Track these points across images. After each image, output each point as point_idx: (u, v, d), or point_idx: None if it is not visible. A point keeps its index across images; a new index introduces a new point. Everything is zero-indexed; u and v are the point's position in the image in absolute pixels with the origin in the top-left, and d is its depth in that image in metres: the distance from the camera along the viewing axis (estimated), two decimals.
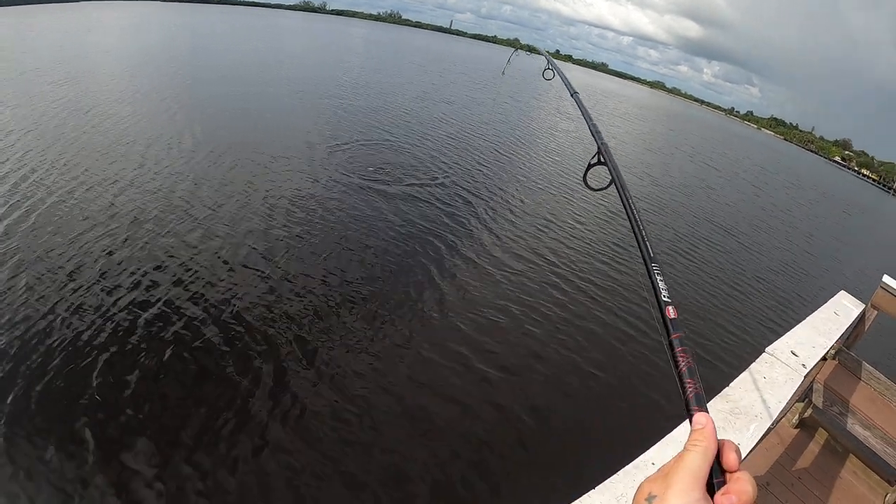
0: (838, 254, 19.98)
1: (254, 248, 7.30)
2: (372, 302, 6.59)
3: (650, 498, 0.61)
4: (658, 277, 0.92)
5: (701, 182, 23.00)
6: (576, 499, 1.26)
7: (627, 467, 1.45)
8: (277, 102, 17.67)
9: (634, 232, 1.06)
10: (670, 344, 0.79)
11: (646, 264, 0.96)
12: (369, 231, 8.53)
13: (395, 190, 10.65)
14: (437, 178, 12.12)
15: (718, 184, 24.22)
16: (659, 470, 0.64)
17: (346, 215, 8.97)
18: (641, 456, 1.52)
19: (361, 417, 4.79)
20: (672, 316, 0.83)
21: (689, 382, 0.71)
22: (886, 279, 4.09)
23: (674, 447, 1.62)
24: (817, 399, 3.97)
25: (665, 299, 0.87)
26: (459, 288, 7.38)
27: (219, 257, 6.90)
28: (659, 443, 1.60)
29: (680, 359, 0.76)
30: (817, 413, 4.17)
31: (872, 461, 4.04)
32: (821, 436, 4.22)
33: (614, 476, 1.39)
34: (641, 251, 0.99)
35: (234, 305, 5.98)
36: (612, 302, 8.07)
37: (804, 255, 16.62)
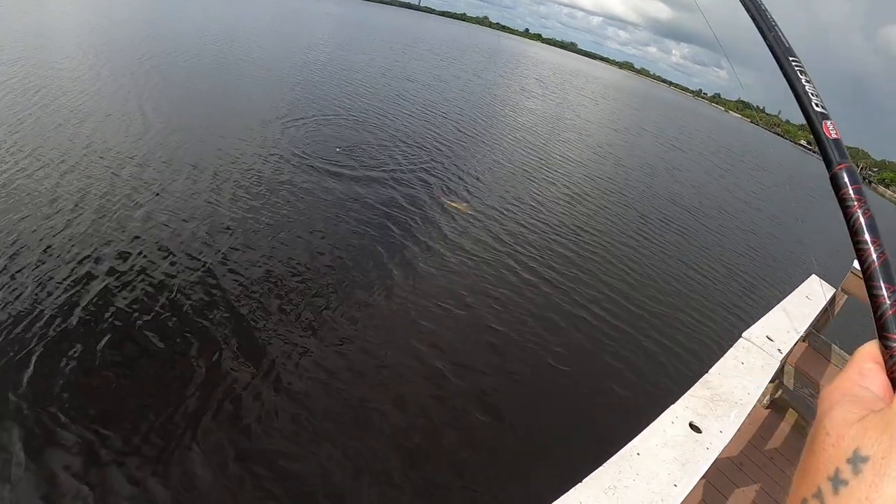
0: (808, 238, 20.48)
1: (196, 234, 7.11)
2: (320, 290, 6.51)
3: (858, 459, 0.38)
4: (803, 78, 0.62)
5: (666, 164, 23.22)
6: (562, 494, 1.26)
7: (613, 458, 1.46)
8: (235, 78, 17.24)
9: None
10: (834, 180, 0.54)
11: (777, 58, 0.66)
12: (321, 215, 8.41)
13: (349, 170, 10.52)
14: (394, 157, 12.04)
15: (684, 165, 24.56)
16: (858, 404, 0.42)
17: (297, 197, 8.82)
18: (626, 445, 1.54)
19: (303, 413, 4.74)
20: (833, 135, 0.57)
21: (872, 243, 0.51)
22: (857, 264, 4.19)
23: (658, 437, 1.64)
24: (788, 380, 4.07)
25: (819, 109, 0.60)
26: (414, 274, 7.38)
27: (158, 244, 6.71)
28: (643, 432, 1.62)
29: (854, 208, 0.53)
30: (788, 394, 4.28)
31: None
32: (791, 416, 4.35)
33: (601, 468, 1.40)
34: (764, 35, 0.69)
35: (173, 293, 5.84)
36: (577, 289, 8.14)
37: (773, 240, 17.06)
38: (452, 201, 9.56)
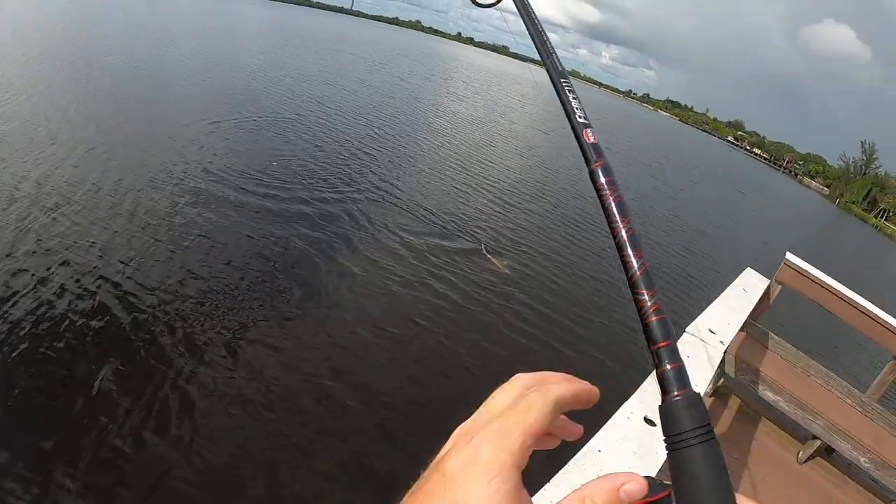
0: (741, 231, 21.45)
1: (98, 259, 6.58)
2: (238, 313, 6.24)
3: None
4: (571, 96, 0.75)
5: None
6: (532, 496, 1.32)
7: (576, 456, 1.54)
8: (157, 87, 16.26)
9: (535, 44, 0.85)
10: (591, 175, 0.68)
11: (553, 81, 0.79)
12: (229, 235, 7.94)
13: (263, 186, 10.04)
14: (311, 166, 11.76)
15: (614, 167, 25.38)
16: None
17: (201, 215, 8.32)
18: (587, 444, 1.62)
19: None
20: (592, 140, 0.71)
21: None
22: (789, 256, 4.55)
23: (616, 432, 1.73)
24: (729, 368, 4.33)
25: (581, 120, 0.73)
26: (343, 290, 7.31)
27: (56, 269, 6.21)
28: (602, 429, 1.71)
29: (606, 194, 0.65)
30: (730, 381, 4.56)
31: (783, 423, 4.50)
32: (734, 402, 4.64)
33: (565, 467, 1.47)
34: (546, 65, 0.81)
35: (68, 324, 5.43)
36: (515, 295, 8.32)
37: (707, 238, 17.79)
38: (491, 255, 9.32)
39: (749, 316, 4.05)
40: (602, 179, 0.67)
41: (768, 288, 4.66)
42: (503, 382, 0.47)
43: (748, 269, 4.75)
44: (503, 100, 39.72)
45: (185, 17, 43.53)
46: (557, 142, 26.76)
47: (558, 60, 0.80)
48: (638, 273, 0.56)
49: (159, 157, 10.05)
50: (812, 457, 4.35)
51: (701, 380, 2.36)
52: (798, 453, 4.37)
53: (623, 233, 0.60)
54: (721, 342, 2.92)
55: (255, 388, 5.08)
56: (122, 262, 6.48)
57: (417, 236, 9.34)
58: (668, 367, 0.50)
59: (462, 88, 37.76)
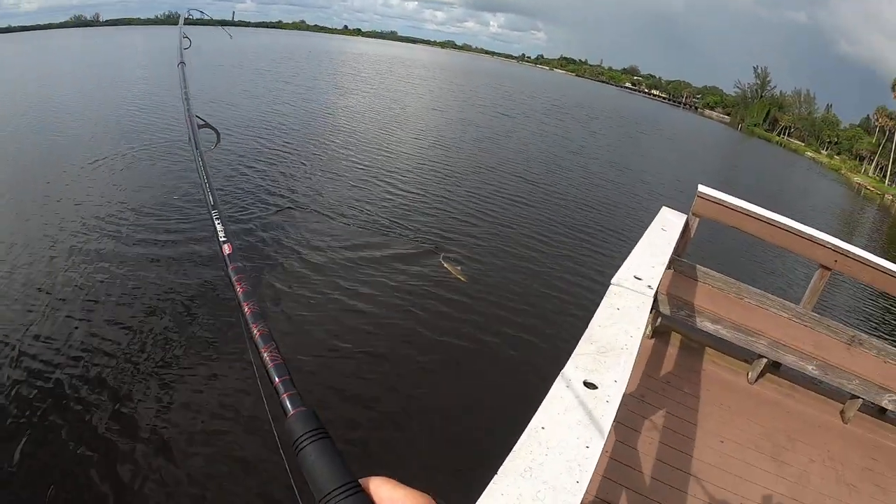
0: (651, 172, 22.20)
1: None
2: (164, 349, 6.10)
3: None
4: (217, 222, 1.01)
5: (496, 134, 24.08)
6: (480, 493, 1.29)
7: (521, 438, 1.51)
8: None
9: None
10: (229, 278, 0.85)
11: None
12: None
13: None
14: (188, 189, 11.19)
15: (514, 131, 25.69)
16: None
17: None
18: (530, 422, 1.59)
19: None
20: (228, 252, 0.91)
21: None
22: (702, 188, 4.71)
23: (558, 404, 1.71)
24: (664, 308, 4.45)
25: (222, 238, 0.95)
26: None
27: None
28: (542, 404, 1.68)
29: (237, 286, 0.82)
30: (667, 320, 4.70)
31: (727, 348, 4.67)
32: (675, 338, 4.81)
33: (511, 453, 1.44)
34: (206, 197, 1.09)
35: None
36: (424, 288, 8.17)
37: (617, 184, 18.30)
38: (446, 263, 8.68)
39: (673, 253, 4.16)
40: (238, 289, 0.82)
41: (687, 222, 4.80)
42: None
43: (663, 208, 4.87)
44: (394, 84, 39.37)
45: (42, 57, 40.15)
46: (452, 117, 26.86)
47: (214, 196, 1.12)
48: (257, 335, 0.74)
49: (45, 210, 9.34)
50: (761, 374, 4.55)
51: (635, 329, 2.36)
52: (747, 374, 4.56)
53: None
54: (649, 287, 2.96)
55: (193, 431, 4.88)
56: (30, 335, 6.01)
57: (336, 242, 9.16)
58: (285, 395, 0.64)
59: (351, 81, 37.18)
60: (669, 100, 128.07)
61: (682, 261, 4.78)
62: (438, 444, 5.19)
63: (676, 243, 4.22)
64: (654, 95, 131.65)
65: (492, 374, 6.29)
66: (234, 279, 0.83)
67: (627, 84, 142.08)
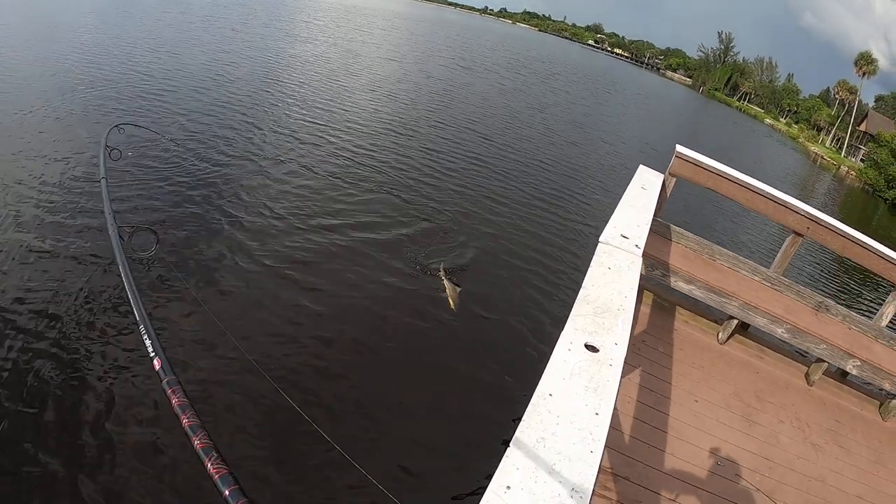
0: (615, 131, 22.26)
1: None
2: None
3: None
4: (145, 336, 1.04)
5: (455, 86, 23.55)
6: (495, 467, 1.21)
7: (529, 408, 1.43)
8: None
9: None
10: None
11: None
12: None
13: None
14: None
15: (476, 85, 25.21)
16: None
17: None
18: (537, 390, 1.52)
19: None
20: (158, 366, 0.92)
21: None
22: (680, 148, 4.68)
23: (562, 369, 1.64)
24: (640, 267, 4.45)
25: (151, 353, 0.97)
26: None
27: None
28: (546, 370, 1.61)
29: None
30: (641, 279, 4.69)
31: (699, 309, 4.74)
32: (647, 297, 4.84)
33: (522, 423, 1.36)
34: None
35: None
36: (405, 252, 7.84)
37: (583, 141, 18.27)
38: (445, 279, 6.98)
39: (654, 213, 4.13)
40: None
41: (663, 182, 4.78)
42: None
43: (641, 166, 4.83)
44: (351, 34, 37.96)
45: None
46: (410, 69, 26.13)
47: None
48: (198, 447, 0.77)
49: None
50: (731, 336, 4.62)
51: (629, 290, 2.31)
52: (717, 334, 4.64)
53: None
54: (637, 246, 2.91)
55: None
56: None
57: (283, 211, 8.16)
58: None
59: (305, 30, 35.52)
60: (632, 59, 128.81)
61: (657, 220, 4.76)
62: (446, 417, 5.07)
63: (657, 203, 4.19)
64: (617, 54, 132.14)
65: (479, 350, 6.05)
66: (168, 392, 0.78)
67: (590, 41, 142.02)
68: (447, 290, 6.58)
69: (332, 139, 11.98)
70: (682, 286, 4.42)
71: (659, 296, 4.87)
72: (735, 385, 4.15)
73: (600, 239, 2.81)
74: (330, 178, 9.63)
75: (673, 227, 4.86)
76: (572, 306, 2.02)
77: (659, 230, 4.81)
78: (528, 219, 9.86)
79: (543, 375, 1.57)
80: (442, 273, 6.98)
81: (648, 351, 4.10)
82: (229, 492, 0.51)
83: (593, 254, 2.62)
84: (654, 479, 2.94)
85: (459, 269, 7.32)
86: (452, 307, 6.32)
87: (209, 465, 0.52)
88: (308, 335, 5.49)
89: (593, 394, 1.57)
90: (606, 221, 3.06)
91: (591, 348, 1.79)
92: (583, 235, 9.68)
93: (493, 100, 22.47)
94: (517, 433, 1.31)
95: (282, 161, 10.06)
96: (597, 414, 1.50)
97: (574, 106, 27.60)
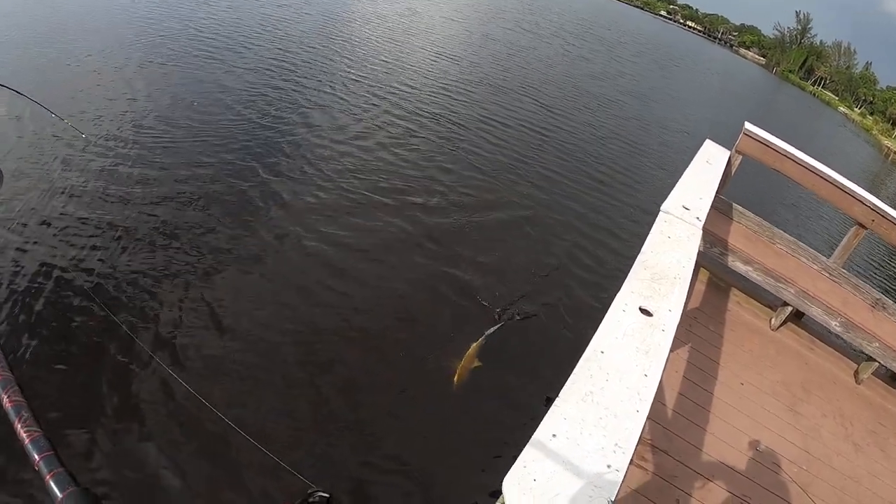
0: (693, 105, 21.52)
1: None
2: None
3: None
4: None
5: (518, 50, 22.89)
6: (544, 414, 1.22)
7: (580, 362, 1.44)
8: None
9: None
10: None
11: None
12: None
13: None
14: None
15: (542, 51, 24.50)
16: None
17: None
18: (589, 346, 1.52)
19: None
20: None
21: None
22: (748, 126, 4.50)
23: (616, 329, 1.62)
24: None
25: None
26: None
27: None
28: (600, 328, 1.60)
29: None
30: (698, 255, 4.59)
31: (754, 292, 4.61)
32: (703, 275, 4.73)
33: (571, 376, 1.36)
34: None
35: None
36: (479, 209, 7.88)
37: (660, 112, 17.71)
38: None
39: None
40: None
41: (729, 159, 4.62)
42: None
43: (707, 140, 4.68)
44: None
45: None
46: (467, 29, 25.48)
47: None
48: (10, 409, 0.64)
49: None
50: (784, 322, 4.49)
51: (686, 260, 2.28)
52: (770, 320, 4.51)
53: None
54: (697, 218, 2.85)
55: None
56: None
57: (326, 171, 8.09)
58: (49, 476, 0.56)
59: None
60: (704, 33, 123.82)
61: (720, 197, 4.62)
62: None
63: (721, 179, 4.07)
64: (689, 27, 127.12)
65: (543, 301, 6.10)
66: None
67: (662, 12, 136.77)
68: (464, 360, 4.91)
69: (384, 100, 11.75)
70: (739, 266, 4.30)
71: (715, 274, 4.76)
72: (783, 373, 4.04)
73: (662, 207, 2.77)
74: (376, 141, 9.45)
75: (735, 205, 4.71)
76: (629, 271, 2.00)
77: (720, 207, 4.67)
78: (581, 192, 9.62)
79: (596, 333, 1.57)
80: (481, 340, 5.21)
81: (699, 328, 4.03)
82: (42, 458, 0.48)
83: (654, 221, 2.58)
84: (691, 456, 2.92)
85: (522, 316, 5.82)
86: (455, 381, 4.73)
87: (19, 425, 0.50)
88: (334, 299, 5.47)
89: (644, 356, 1.55)
90: (664, 198, 2.98)
91: (646, 312, 1.77)
92: (636, 211, 9.48)
93: (556, 66, 21.89)
94: (567, 385, 1.32)
95: (327, 120, 9.95)
96: (646, 375, 1.49)
97: (640, 77, 26.70)
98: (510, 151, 10.54)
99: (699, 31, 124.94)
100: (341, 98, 11.19)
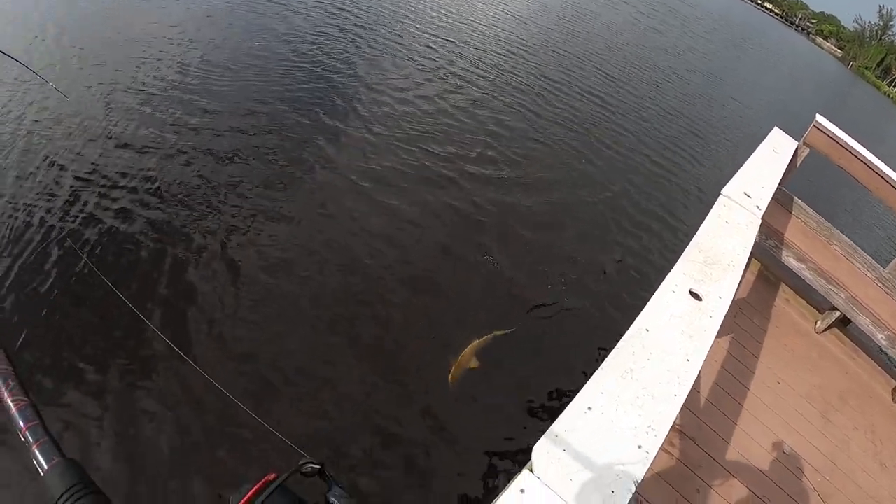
0: (764, 91, 20.70)
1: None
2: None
3: None
4: None
5: (588, 16, 22.15)
6: (583, 383, 1.19)
7: (624, 338, 1.41)
8: None
9: None
10: None
11: None
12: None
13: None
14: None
15: (604, 17, 23.62)
16: None
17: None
18: (635, 322, 1.48)
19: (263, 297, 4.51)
20: None
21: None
22: (820, 119, 4.27)
23: (663, 309, 1.57)
24: None
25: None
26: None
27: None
28: (648, 305, 1.56)
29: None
30: (753, 246, 4.46)
31: (804, 291, 4.46)
32: (755, 266, 4.60)
33: (614, 351, 1.34)
34: None
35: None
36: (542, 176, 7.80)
37: (730, 97, 17.07)
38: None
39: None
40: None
41: (796, 150, 4.43)
42: None
43: (775, 128, 4.47)
44: None
45: None
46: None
47: None
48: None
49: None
50: (829, 327, 4.35)
51: (742, 248, 2.19)
52: (816, 322, 4.37)
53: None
54: (757, 207, 2.74)
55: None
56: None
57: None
58: (35, 445, 0.54)
59: None
60: (782, 17, 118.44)
61: (782, 189, 4.44)
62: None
63: (786, 170, 3.91)
64: (767, 9, 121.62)
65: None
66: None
67: None
68: (462, 356, 4.51)
69: (445, 55, 11.54)
70: (791, 263, 4.15)
71: (766, 267, 4.62)
72: (821, 378, 3.93)
73: (723, 191, 2.67)
74: (434, 96, 9.32)
75: (796, 199, 4.52)
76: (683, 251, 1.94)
77: (781, 199, 4.49)
78: (637, 168, 9.40)
79: (643, 310, 1.52)
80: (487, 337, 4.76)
81: (743, 319, 3.93)
82: (28, 428, 0.46)
83: (712, 204, 2.50)
84: (718, 447, 2.87)
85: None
86: (450, 378, 4.35)
87: (5, 394, 0.49)
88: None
89: (689, 340, 1.51)
90: (722, 182, 2.87)
91: (695, 296, 1.71)
92: (690, 194, 9.22)
93: (623, 35, 21.18)
94: (608, 359, 1.29)
95: (386, 70, 9.88)
96: (688, 360, 1.44)
97: (712, 55, 25.70)
98: (569, 119, 10.32)
99: (776, 14, 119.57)
100: (403, 49, 11.08)
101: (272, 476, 0.66)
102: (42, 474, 0.51)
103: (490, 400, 4.29)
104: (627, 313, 5.54)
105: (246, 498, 0.61)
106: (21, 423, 0.56)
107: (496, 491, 3.84)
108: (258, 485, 0.65)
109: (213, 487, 3.24)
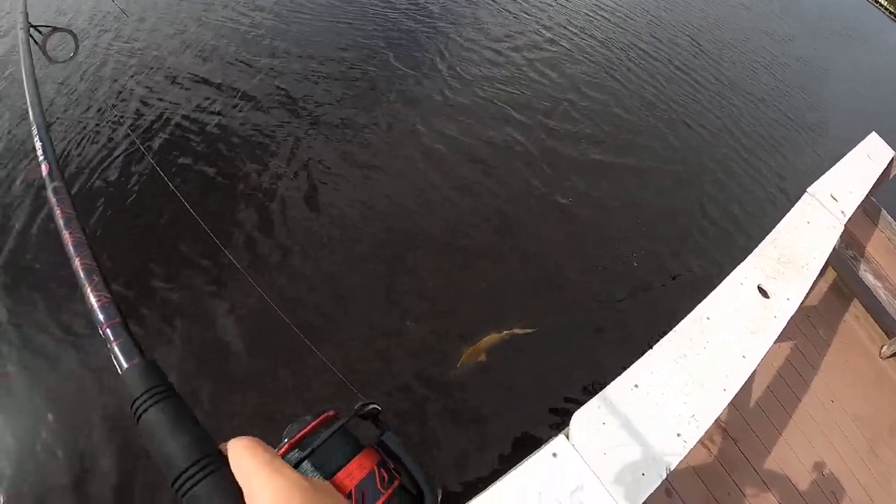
0: (865, 94, 19.48)
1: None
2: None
3: None
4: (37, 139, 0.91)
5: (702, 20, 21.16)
6: (636, 359, 1.15)
7: (684, 322, 1.37)
8: None
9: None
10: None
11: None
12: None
13: None
14: None
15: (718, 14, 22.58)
16: None
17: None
18: (697, 308, 1.43)
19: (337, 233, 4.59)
20: (46, 171, 0.81)
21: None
22: None
23: (728, 300, 1.50)
24: None
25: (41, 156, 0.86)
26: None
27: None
28: (713, 293, 1.49)
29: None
30: (831, 252, 4.25)
31: (875, 310, 4.23)
32: (830, 275, 4.39)
33: (671, 333, 1.30)
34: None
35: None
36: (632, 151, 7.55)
37: (826, 94, 16.15)
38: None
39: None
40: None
41: (892, 160, 4.16)
42: None
43: (873, 133, 4.20)
44: None
45: None
46: None
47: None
48: (81, 272, 0.63)
49: None
50: (895, 354, 4.13)
51: (819, 252, 2.07)
52: (882, 347, 4.14)
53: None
54: (842, 212, 2.59)
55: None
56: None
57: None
58: (115, 343, 0.53)
59: None
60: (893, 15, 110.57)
61: (870, 198, 4.20)
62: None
63: (878, 178, 3.67)
64: (880, 4, 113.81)
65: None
66: (52, 201, 0.74)
67: None
68: (479, 343, 4.27)
69: (538, 11, 11.26)
70: (868, 278, 3.93)
71: (841, 278, 4.39)
72: (876, 406, 3.74)
73: (808, 190, 2.53)
74: (521, 51, 9.08)
75: (884, 212, 4.26)
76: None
77: (868, 208, 4.25)
78: (721, 153, 9.01)
79: (707, 298, 1.47)
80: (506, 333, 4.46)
81: (808, 327, 3.76)
82: (109, 325, 0.45)
83: (797, 201, 2.37)
84: (758, 454, 2.78)
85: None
86: (459, 362, 4.12)
87: (89, 290, 0.47)
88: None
89: (749, 336, 1.44)
90: (808, 181, 2.71)
91: (763, 292, 1.63)
92: (773, 188, 8.79)
93: (721, 10, 20.10)
94: (663, 340, 1.25)
95: (474, 21, 9.64)
96: (744, 357, 1.38)
97: (816, 46, 24.20)
98: (657, 92, 9.87)
99: (891, 12, 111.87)
100: (493, 2, 10.87)
101: (332, 413, 0.64)
102: (121, 373, 0.51)
103: (542, 367, 4.29)
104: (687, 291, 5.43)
105: (308, 429, 0.60)
106: (103, 320, 0.56)
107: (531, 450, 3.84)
108: (320, 418, 0.63)
109: (266, 409, 3.36)
